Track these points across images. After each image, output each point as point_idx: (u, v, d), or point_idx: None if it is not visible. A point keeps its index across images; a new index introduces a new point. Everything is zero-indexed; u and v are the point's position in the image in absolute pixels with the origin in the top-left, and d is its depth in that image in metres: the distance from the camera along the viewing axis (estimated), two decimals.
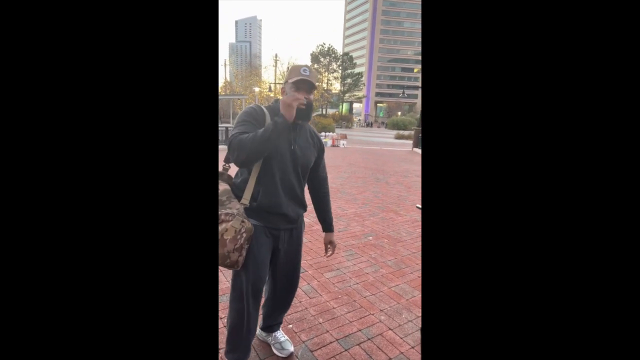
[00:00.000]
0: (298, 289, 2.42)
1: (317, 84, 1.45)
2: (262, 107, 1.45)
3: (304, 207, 1.56)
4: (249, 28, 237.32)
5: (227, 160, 1.48)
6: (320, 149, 1.60)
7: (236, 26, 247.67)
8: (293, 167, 1.45)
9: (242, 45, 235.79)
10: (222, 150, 1.66)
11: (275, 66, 35.48)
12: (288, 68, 1.46)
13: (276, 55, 35.84)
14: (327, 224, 1.73)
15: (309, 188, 1.69)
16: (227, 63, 36.13)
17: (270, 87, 31.75)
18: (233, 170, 1.49)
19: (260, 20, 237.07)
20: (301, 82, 1.38)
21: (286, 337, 1.82)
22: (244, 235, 1.36)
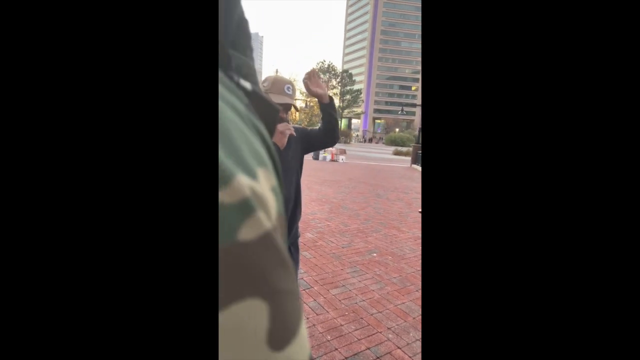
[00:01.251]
0: (304, 305, 2.41)
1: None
2: None
3: (300, 211, 1.54)
4: None
5: None
6: (303, 133, 1.55)
7: None
8: (285, 177, 1.43)
9: None
10: None
11: None
12: (267, 79, 1.48)
13: (277, 71, 36.38)
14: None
15: (321, 140, 1.56)
16: None
17: None
18: None
19: (262, 37, 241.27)
20: (287, 106, 1.40)
21: None
22: None
